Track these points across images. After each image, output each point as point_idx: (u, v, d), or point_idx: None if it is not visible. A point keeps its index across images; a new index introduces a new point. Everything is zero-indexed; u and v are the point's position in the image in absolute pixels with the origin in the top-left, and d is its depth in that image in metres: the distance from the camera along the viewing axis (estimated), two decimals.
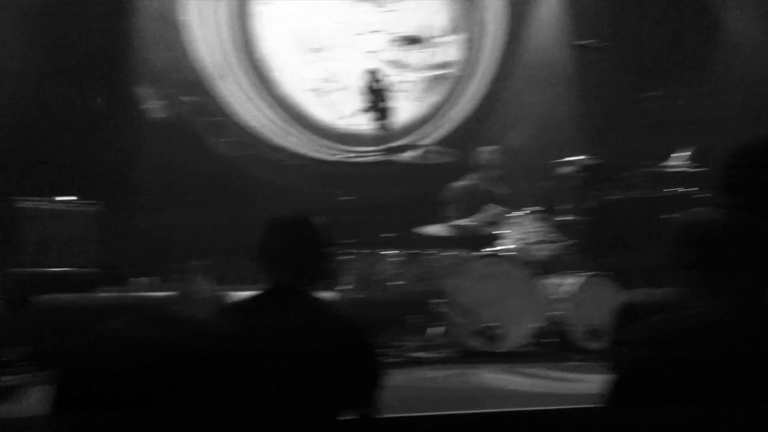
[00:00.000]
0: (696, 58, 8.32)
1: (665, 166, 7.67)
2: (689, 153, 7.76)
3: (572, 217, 6.37)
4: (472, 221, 6.51)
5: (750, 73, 8.14)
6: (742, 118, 8.03)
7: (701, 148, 7.86)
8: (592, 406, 4.12)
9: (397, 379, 4.92)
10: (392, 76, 6.09)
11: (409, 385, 4.92)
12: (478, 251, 6.24)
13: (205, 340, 2.39)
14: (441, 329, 5.85)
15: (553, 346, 5.90)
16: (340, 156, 8.46)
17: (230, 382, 2.26)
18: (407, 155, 6.43)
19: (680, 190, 7.56)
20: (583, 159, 6.46)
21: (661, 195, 7.25)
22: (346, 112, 8.52)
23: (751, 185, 1.61)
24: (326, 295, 6.07)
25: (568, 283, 6.01)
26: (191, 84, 8.14)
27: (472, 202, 6.89)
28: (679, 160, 7.75)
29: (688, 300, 2.79)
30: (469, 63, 8.99)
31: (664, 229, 6.51)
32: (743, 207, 1.64)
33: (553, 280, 6.18)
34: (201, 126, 8.13)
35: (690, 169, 7.68)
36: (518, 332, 5.76)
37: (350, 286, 6.38)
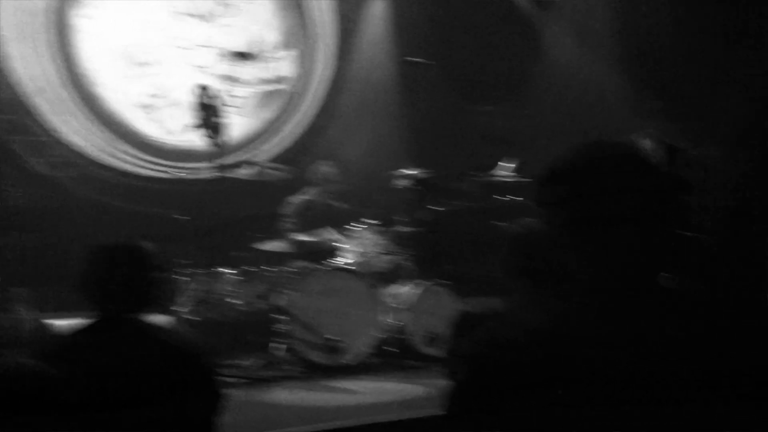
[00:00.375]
0: (521, 76, 8.76)
1: (494, 177, 8.00)
2: (515, 164, 8.14)
3: (409, 229, 6.48)
4: (311, 236, 6.47)
5: (568, 91, 8.68)
6: (561, 132, 8.53)
7: (526, 160, 8.28)
8: (435, 413, 4.24)
9: (240, 398, 4.82)
10: (224, 92, 5.94)
11: (254, 404, 4.83)
12: (318, 266, 6.23)
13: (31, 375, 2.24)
14: (283, 346, 5.78)
15: (395, 355, 5.98)
16: (171, 174, 8.19)
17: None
18: (242, 172, 6.32)
19: (509, 199, 7.91)
20: (416, 172, 6.59)
21: (491, 205, 7.55)
22: (176, 128, 8.27)
23: (567, 197, 1.67)
24: (161, 320, 5.87)
25: (407, 293, 6.11)
26: (6, 102, 7.63)
27: (310, 217, 6.87)
28: (506, 170, 8.12)
29: (518, 307, 2.90)
30: (302, 78, 8.97)
31: (495, 238, 6.81)
32: (561, 218, 1.70)
33: (392, 291, 6.27)
34: (19, 145, 7.63)
35: (517, 180, 8.06)
36: (360, 344, 5.79)
37: (188, 309, 6.20)
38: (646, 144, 6.35)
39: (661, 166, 1.54)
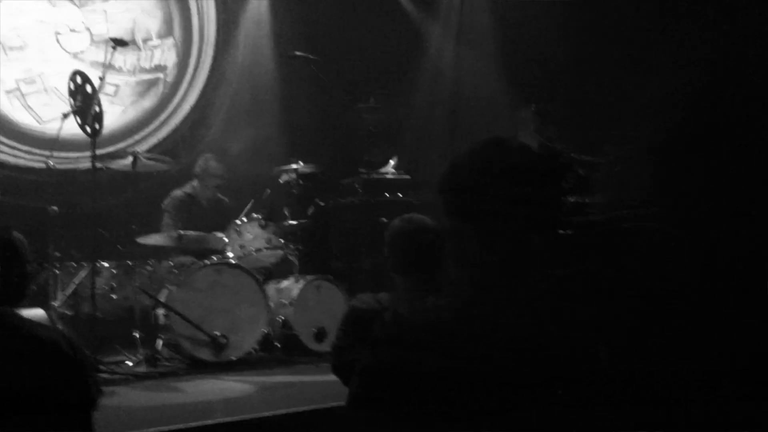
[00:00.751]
0: (407, 74, 8.88)
1: (378, 174, 8.08)
2: (398, 161, 8.26)
3: (294, 224, 6.45)
4: (193, 230, 6.32)
5: (453, 91, 8.89)
6: (442, 131, 8.72)
7: (411, 157, 8.41)
8: (322, 407, 4.25)
9: (121, 396, 4.69)
10: (100, 79, 5.73)
11: (135, 401, 4.70)
12: (202, 260, 6.12)
13: None
14: (166, 341, 5.65)
15: (280, 350, 5.95)
16: (46, 163, 7.81)
17: None
18: (121, 163, 6.11)
19: (392, 196, 8.02)
20: (301, 167, 6.57)
21: (376, 201, 7.62)
22: (50, 116, 7.92)
23: (460, 192, 1.72)
24: (35, 314, 5.62)
25: (292, 288, 6.10)
26: None
27: (193, 211, 6.73)
28: (391, 167, 8.22)
29: (403, 302, 2.94)
30: (182, 68, 8.77)
31: (380, 234, 6.86)
32: (451, 212, 1.74)
33: (277, 286, 6.24)
34: None
35: (399, 176, 8.18)
36: (245, 340, 5.73)
37: (62, 303, 5.96)
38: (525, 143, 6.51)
39: (544, 168, 1.61)
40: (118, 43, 6.02)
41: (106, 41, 8.15)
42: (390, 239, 3.14)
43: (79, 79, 5.94)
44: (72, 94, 5.94)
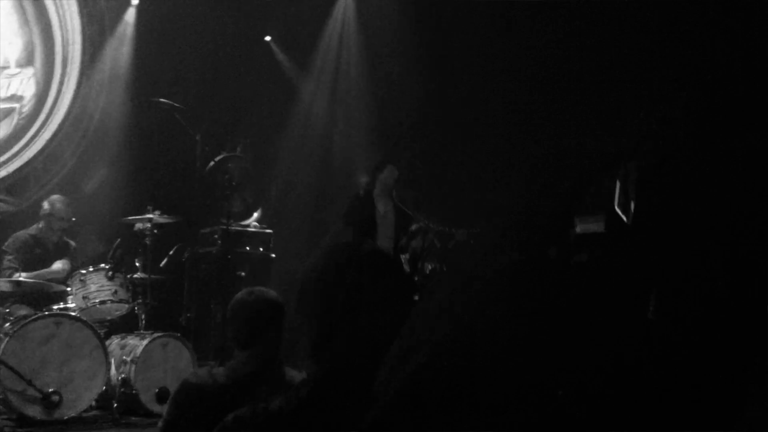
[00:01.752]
0: (277, 125, 8.87)
1: (242, 226, 7.95)
2: (261, 214, 8.17)
3: (144, 276, 6.19)
4: (33, 276, 5.96)
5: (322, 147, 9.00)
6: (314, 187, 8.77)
7: (276, 211, 8.35)
8: None
9: None
10: None
11: None
12: (39, 310, 5.76)
13: None
14: None
15: (118, 409, 5.66)
16: None
17: None
18: None
19: (253, 249, 7.90)
20: (157, 216, 6.34)
21: (235, 253, 7.47)
22: None
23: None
24: None
25: (136, 344, 5.83)
26: None
27: (35, 255, 6.35)
28: (254, 220, 8.12)
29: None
30: (41, 99, 8.36)
31: (237, 288, 6.70)
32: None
33: (119, 341, 5.96)
34: None
35: (263, 230, 8.09)
36: (81, 397, 5.41)
37: None
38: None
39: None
40: None
41: None
42: (231, 311, 3.08)
43: None
44: None
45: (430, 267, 7.71)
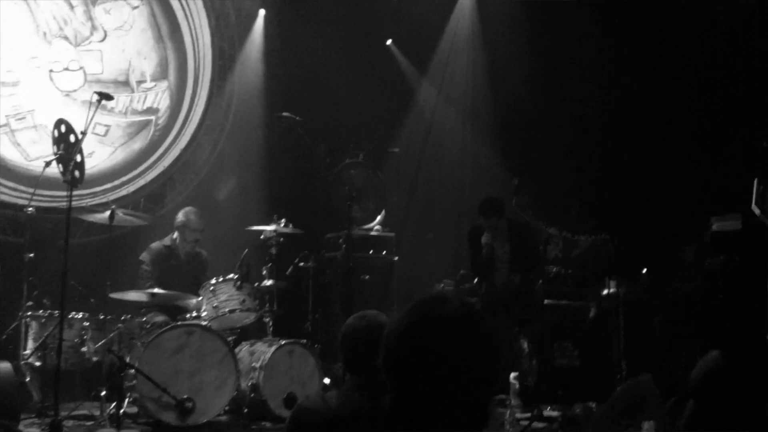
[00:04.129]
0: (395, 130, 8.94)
1: (365, 230, 8.04)
2: (384, 217, 8.22)
3: (270, 284, 6.37)
4: (168, 288, 6.25)
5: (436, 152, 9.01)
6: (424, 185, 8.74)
7: (397, 214, 8.40)
8: None
9: None
10: (82, 134, 5.69)
11: None
12: (175, 319, 6.05)
13: None
14: (132, 402, 5.56)
15: (247, 415, 5.86)
16: (29, 201, 7.75)
17: None
18: (98, 216, 6.07)
19: (376, 252, 7.98)
20: (283, 225, 6.51)
21: (359, 257, 7.57)
22: (36, 153, 7.91)
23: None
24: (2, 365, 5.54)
25: (264, 351, 6.01)
26: None
27: (170, 263, 6.66)
28: (377, 224, 8.19)
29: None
30: (175, 111, 8.75)
31: (362, 292, 6.79)
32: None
33: (247, 348, 6.16)
34: None
35: (386, 234, 8.15)
36: (212, 403, 5.63)
37: (32, 353, 5.88)
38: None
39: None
40: (104, 96, 5.99)
41: (99, 81, 8.32)
42: (343, 337, 3.08)
43: (63, 128, 5.92)
44: (56, 141, 5.92)
45: (554, 270, 7.56)
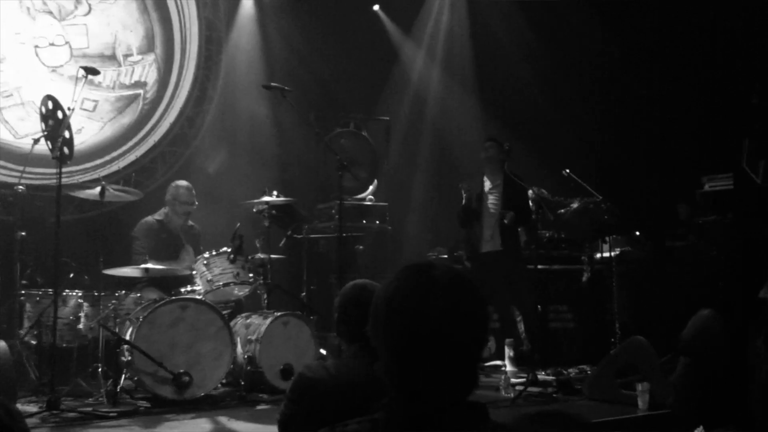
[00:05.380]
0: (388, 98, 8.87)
1: (357, 200, 8.03)
2: (376, 187, 8.21)
3: (264, 257, 6.38)
4: (162, 262, 6.26)
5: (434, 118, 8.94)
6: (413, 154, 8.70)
7: (390, 183, 8.37)
8: None
9: None
10: (70, 109, 5.65)
11: None
12: (169, 293, 6.05)
13: None
14: (129, 377, 5.59)
15: (244, 387, 5.89)
16: (19, 179, 7.71)
17: None
18: (89, 193, 6.04)
19: (369, 222, 7.97)
20: (275, 197, 6.50)
21: (352, 227, 7.57)
22: (25, 131, 7.85)
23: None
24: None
25: (260, 323, 6.03)
26: None
27: (162, 237, 6.66)
28: (370, 194, 8.18)
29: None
30: (163, 84, 8.68)
31: (355, 262, 6.78)
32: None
33: (245, 321, 6.18)
34: None
35: (379, 203, 8.15)
36: (209, 376, 5.66)
37: (28, 332, 5.89)
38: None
39: None
40: (90, 71, 5.93)
41: (85, 56, 8.24)
42: (338, 306, 3.09)
43: (50, 104, 5.86)
44: (43, 118, 5.87)
45: (547, 234, 7.58)
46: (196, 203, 6.75)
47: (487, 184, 7.07)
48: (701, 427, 3.51)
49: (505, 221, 6.84)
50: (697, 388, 4.34)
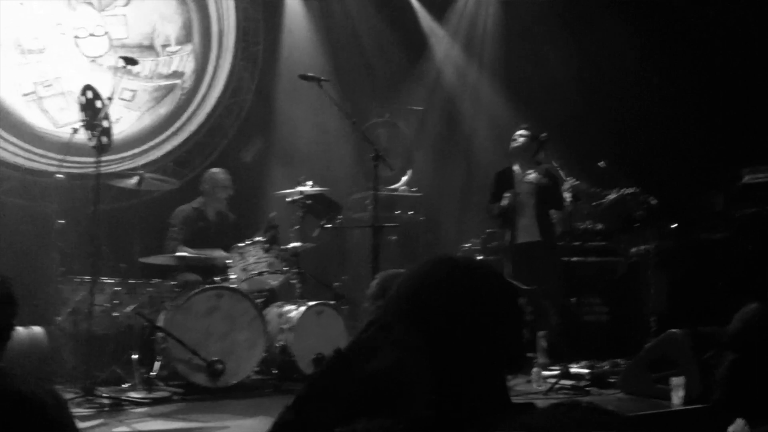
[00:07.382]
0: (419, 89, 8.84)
1: (391, 190, 8.02)
2: (411, 177, 8.19)
3: (298, 246, 6.41)
4: (197, 251, 6.32)
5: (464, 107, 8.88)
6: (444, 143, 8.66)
7: (423, 173, 8.34)
8: None
9: (111, 420, 4.70)
10: (109, 99, 5.72)
11: (129, 426, 4.70)
12: (206, 278, 6.12)
13: None
14: (163, 365, 5.66)
15: (277, 375, 5.94)
16: (59, 168, 7.82)
17: None
18: (127, 182, 6.12)
19: (402, 212, 7.96)
20: (310, 187, 6.52)
21: (386, 217, 7.56)
22: (65, 120, 7.96)
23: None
24: (34, 331, 5.67)
25: (293, 312, 6.07)
26: None
27: (199, 225, 6.73)
28: (403, 184, 8.17)
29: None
30: (200, 74, 8.75)
31: (388, 253, 6.75)
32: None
33: (277, 310, 6.22)
34: None
35: (413, 193, 8.13)
36: (243, 365, 5.72)
37: (63, 318, 5.99)
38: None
39: None
40: (129, 61, 6.02)
41: (124, 46, 8.33)
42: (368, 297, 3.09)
43: (89, 94, 5.95)
44: (82, 108, 5.96)
45: (582, 226, 7.51)
46: (234, 188, 6.84)
47: (519, 175, 6.91)
48: (742, 420, 3.44)
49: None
50: (744, 384, 4.27)
